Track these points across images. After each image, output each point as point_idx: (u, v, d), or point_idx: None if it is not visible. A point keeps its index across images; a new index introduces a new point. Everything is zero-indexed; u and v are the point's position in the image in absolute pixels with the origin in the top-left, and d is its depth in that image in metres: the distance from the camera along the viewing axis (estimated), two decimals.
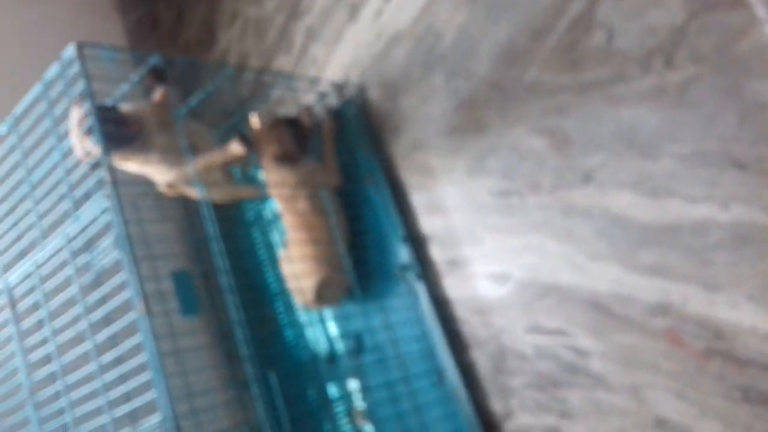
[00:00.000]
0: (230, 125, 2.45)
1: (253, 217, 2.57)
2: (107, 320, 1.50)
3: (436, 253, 2.18)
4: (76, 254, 1.61)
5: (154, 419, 1.37)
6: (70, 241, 1.63)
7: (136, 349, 1.43)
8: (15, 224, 1.76)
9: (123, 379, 1.46)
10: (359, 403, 2.27)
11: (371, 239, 2.25)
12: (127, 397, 1.44)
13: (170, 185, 2.00)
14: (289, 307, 2.40)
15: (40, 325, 1.67)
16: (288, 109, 2.56)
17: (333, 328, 2.41)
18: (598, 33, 1.72)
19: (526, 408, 1.96)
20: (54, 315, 1.64)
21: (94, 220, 1.58)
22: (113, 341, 1.47)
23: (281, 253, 2.24)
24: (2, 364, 1.81)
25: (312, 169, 2.21)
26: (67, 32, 3.02)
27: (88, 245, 1.60)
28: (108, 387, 1.48)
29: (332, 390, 2.37)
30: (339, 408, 2.28)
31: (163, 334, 1.45)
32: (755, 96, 1.46)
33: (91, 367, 1.52)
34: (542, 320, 1.90)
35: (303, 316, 2.48)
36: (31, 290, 1.72)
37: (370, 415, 2.22)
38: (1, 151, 1.82)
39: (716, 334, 1.55)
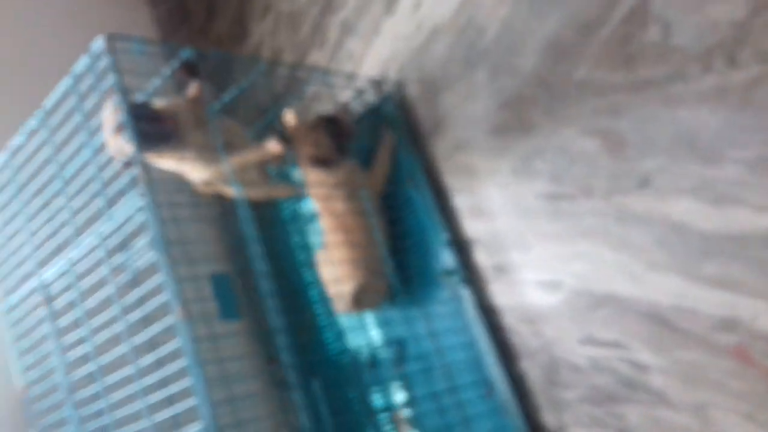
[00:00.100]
0: (264, 122, 2.38)
1: (290, 216, 2.51)
2: (145, 321, 1.44)
3: (482, 259, 2.09)
4: (111, 253, 1.55)
5: (196, 427, 1.31)
6: (104, 239, 1.57)
7: (176, 353, 1.38)
8: (49, 220, 1.70)
9: (163, 383, 1.40)
10: (403, 410, 2.20)
11: (413, 243, 2.17)
12: (169, 401, 1.38)
13: (206, 183, 1.95)
14: (329, 311, 2.33)
15: (76, 324, 1.62)
16: (324, 106, 2.49)
17: (375, 334, 2.34)
18: (654, 27, 1.63)
19: (580, 423, 1.88)
20: (91, 314, 1.59)
21: (129, 218, 1.52)
22: (152, 344, 1.41)
23: (318, 255, 2.18)
24: (39, 363, 1.77)
25: (351, 171, 2.13)
26: (95, 24, 2.96)
27: (124, 244, 1.55)
28: (147, 391, 1.43)
29: (375, 397, 2.30)
30: (382, 415, 2.21)
31: (203, 338, 1.39)
32: None
33: (129, 369, 1.47)
34: (597, 332, 1.82)
35: (343, 321, 2.41)
36: (67, 288, 1.67)
37: (416, 424, 2.15)
38: (32, 146, 1.77)
39: None
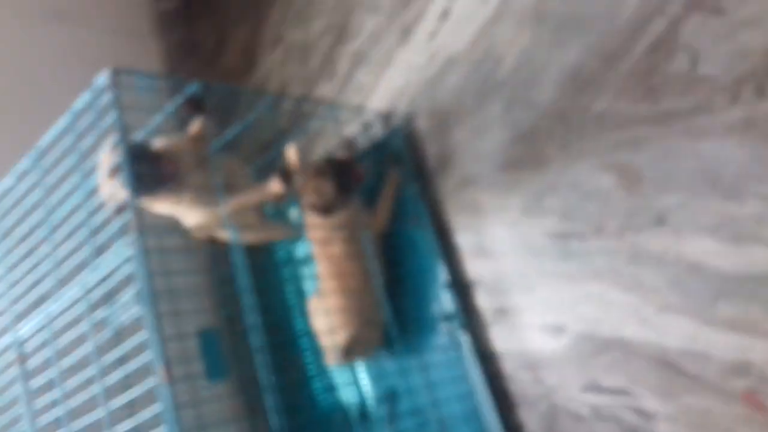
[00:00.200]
0: (266, 160, 2.28)
1: (284, 258, 2.41)
2: (124, 384, 1.34)
3: (483, 301, 1.98)
4: (93, 307, 1.46)
5: None
6: (88, 292, 1.48)
7: (156, 420, 1.27)
8: (31, 270, 1.62)
9: None
10: None
11: (411, 285, 2.06)
12: None
13: (200, 227, 1.85)
14: (320, 361, 2.20)
15: (51, 385, 1.52)
16: (329, 141, 2.40)
17: (368, 387, 2.22)
18: (681, 57, 1.53)
19: None
20: (67, 375, 1.49)
21: (116, 269, 1.43)
22: (130, 409, 1.31)
23: (311, 303, 2.08)
24: (8, 428, 1.67)
25: (353, 213, 2.03)
26: (99, 57, 2.88)
27: (108, 297, 1.45)
28: None
29: None
30: None
31: (186, 402, 1.28)
32: None
33: None
34: (601, 378, 1.70)
35: (335, 373, 2.30)
36: (43, 345, 1.58)
37: None
38: (22, 189, 1.69)
39: None
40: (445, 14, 2.09)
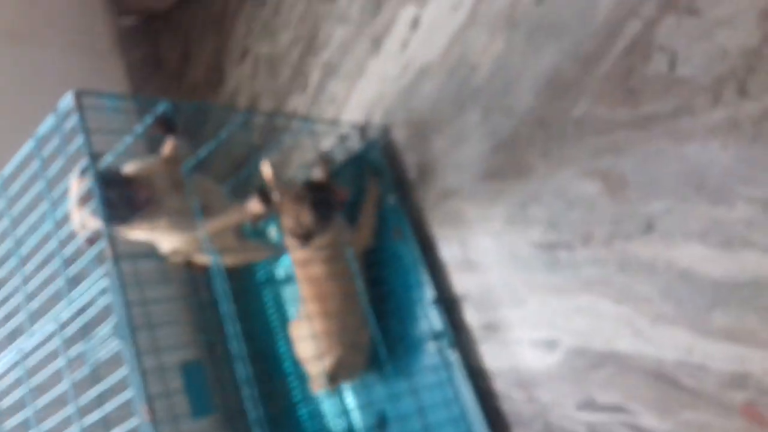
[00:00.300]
0: (240, 178, 2.22)
1: (265, 278, 2.35)
2: (104, 424, 1.27)
3: (471, 317, 1.93)
4: (69, 343, 1.39)
5: None
6: (62, 326, 1.41)
7: None
8: (1, 303, 1.55)
9: None
10: None
11: (396, 303, 2.01)
12: None
13: (176, 252, 1.79)
14: (304, 384, 2.13)
15: (26, 426, 1.45)
16: (305, 155, 2.35)
17: (355, 412, 2.16)
18: (658, 58, 1.52)
19: None
20: (42, 415, 1.42)
21: (91, 302, 1.37)
22: None
23: (293, 329, 2.04)
24: None
25: (335, 232, 1.97)
26: (60, 77, 2.78)
27: (84, 333, 1.39)
28: None
29: None
30: None
31: None
32: None
33: None
34: (597, 394, 1.66)
35: (321, 399, 2.24)
36: (17, 384, 1.51)
37: None
38: None
39: None
40: (415, 23, 2.06)
